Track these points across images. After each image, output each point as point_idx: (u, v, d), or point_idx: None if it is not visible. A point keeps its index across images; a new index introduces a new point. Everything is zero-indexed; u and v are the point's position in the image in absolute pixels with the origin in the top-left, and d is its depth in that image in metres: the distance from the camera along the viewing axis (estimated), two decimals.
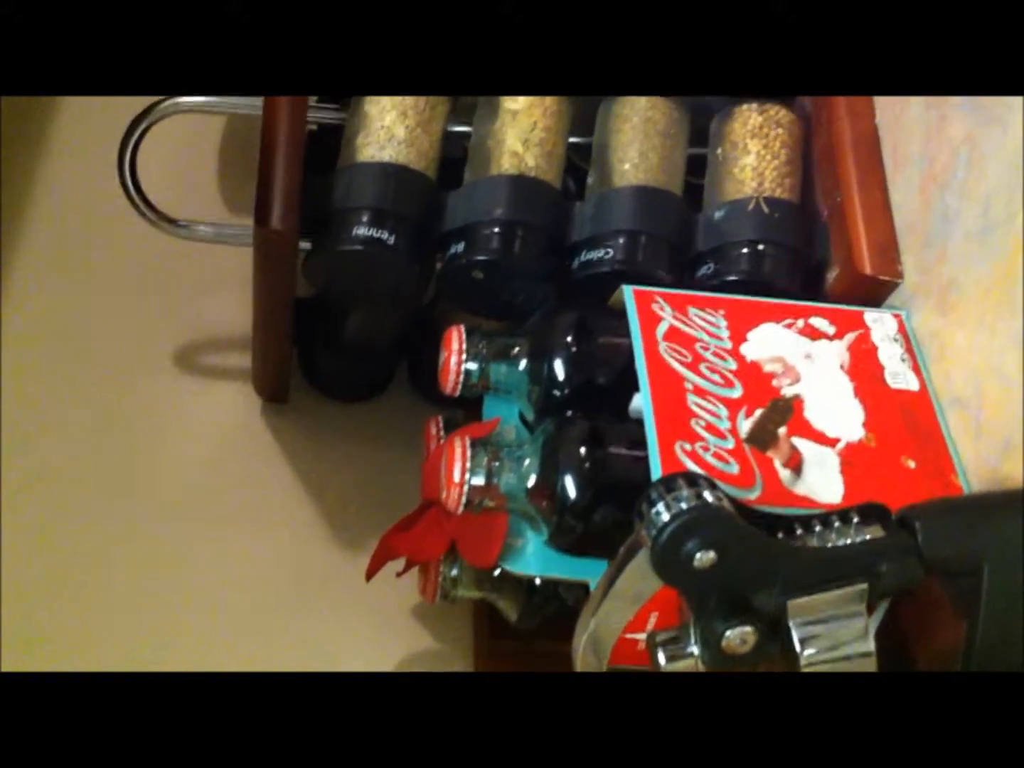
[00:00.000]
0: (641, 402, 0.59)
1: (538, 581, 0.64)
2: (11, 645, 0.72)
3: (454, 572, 0.66)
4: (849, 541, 0.50)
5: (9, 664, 0.71)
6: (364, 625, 0.76)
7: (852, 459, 0.59)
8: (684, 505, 0.47)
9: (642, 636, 0.54)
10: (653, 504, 0.47)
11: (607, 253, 0.68)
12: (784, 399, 0.61)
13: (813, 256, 0.71)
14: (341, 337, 0.81)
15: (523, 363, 0.64)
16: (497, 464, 0.59)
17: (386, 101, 0.70)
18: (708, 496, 0.47)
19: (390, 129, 0.69)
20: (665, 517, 0.47)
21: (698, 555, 0.47)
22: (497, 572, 0.65)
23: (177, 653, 0.74)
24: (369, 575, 0.68)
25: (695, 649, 0.50)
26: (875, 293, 0.68)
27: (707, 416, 0.59)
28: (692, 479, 0.48)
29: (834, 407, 0.61)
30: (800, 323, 0.65)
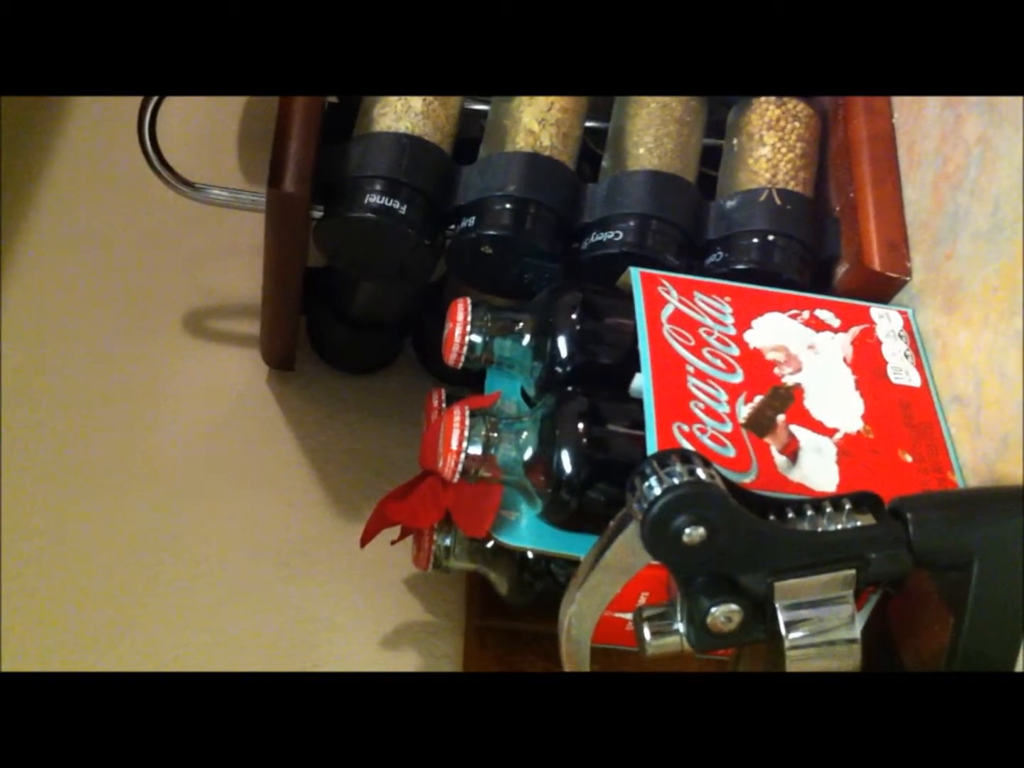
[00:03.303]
0: (641, 382, 0.59)
1: (530, 555, 0.65)
2: (13, 595, 0.73)
3: (447, 542, 0.67)
4: (840, 527, 0.50)
5: (15, 607, 0.71)
6: (358, 592, 0.76)
7: (849, 450, 0.59)
8: (676, 480, 0.47)
9: (631, 616, 0.54)
10: (646, 478, 0.48)
11: (617, 235, 0.68)
12: (785, 387, 0.61)
13: (823, 250, 0.71)
14: (349, 309, 0.82)
15: (527, 338, 0.64)
16: (495, 435, 0.60)
17: None
18: (701, 473, 0.48)
19: (408, 100, 0.70)
20: (657, 491, 0.47)
21: (687, 531, 0.47)
22: (490, 544, 0.66)
23: (174, 615, 0.75)
24: (364, 541, 0.68)
25: (681, 626, 0.50)
26: (883, 289, 0.68)
27: (707, 399, 0.59)
28: (686, 456, 0.48)
29: (834, 398, 0.61)
30: (805, 314, 0.65)
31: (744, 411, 0.59)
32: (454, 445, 0.59)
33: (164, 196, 0.74)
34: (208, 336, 0.87)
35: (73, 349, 0.84)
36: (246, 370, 0.84)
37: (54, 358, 0.84)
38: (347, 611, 0.76)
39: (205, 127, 0.94)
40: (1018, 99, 0.58)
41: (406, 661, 0.75)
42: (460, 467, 0.59)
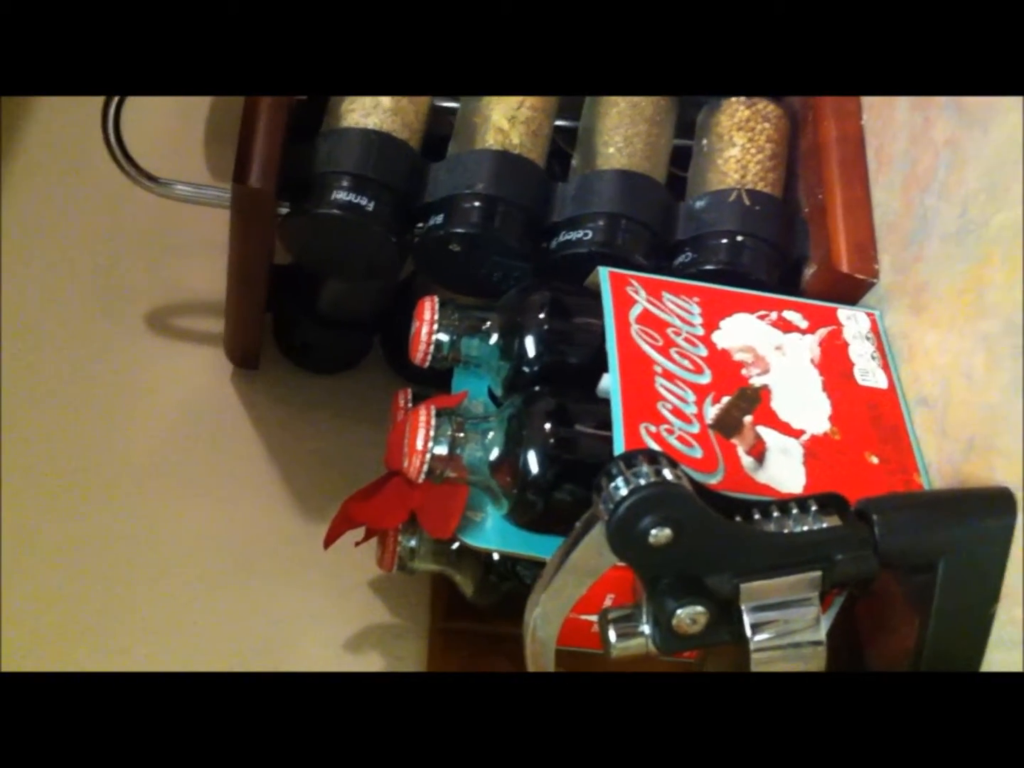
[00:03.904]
0: (609, 382, 0.59)
1: (496, 556, 0.64)
2: None
3: (412, 543, 0.66)
4: (806, 528, 0.50)
5: None
6: (322, 594, 0.75)
7: (816, 451, 0.59)
8: (643, 481, 0.47)
9: (596, 618, 0.54)
10: (612, 479, 0.47)
11: (586, 234, 0.68)
12: (752, 388, 0.61)
13: (792, 251, 0.71)
14: (316, 307, 0.81)
15: (495, 338, 0.64)
16: (461, 435, 0.59)
17: None
18: (667, 474, 0.47)
19: (376, 97, 0.69)
20: (623, 492, 0.47)
21: (654, 532, 0.46)
22: (455, 546, 0.65)
23: (134, 616, 0.74)
24: (327, 542, 0.68)
25: (646, 628, 0.49)
26: (851, 291, 0.68)
27: (674, 400, 0.59)
28: (652, 456, 0.48)
29: (801, 399, 0.61)
30: (773, 315, 0.65)
31: (711, 412, 0.59)
32: (419, 445, 0.59)
33: (129, 192, 0.73)
34: (171, 334, 0.86)
35: (33, 345, 0.83)
36: (209, 368, 0.83)
37: (13, 354, 0.82)
38: (310, 613, 0.75)
39: (172, 123, 0.93)
40: (986, 101, 0.58)
41: (370, 663, 0.74)
42: (425, 467, 0.59)
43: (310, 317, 0.82)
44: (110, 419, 0.81)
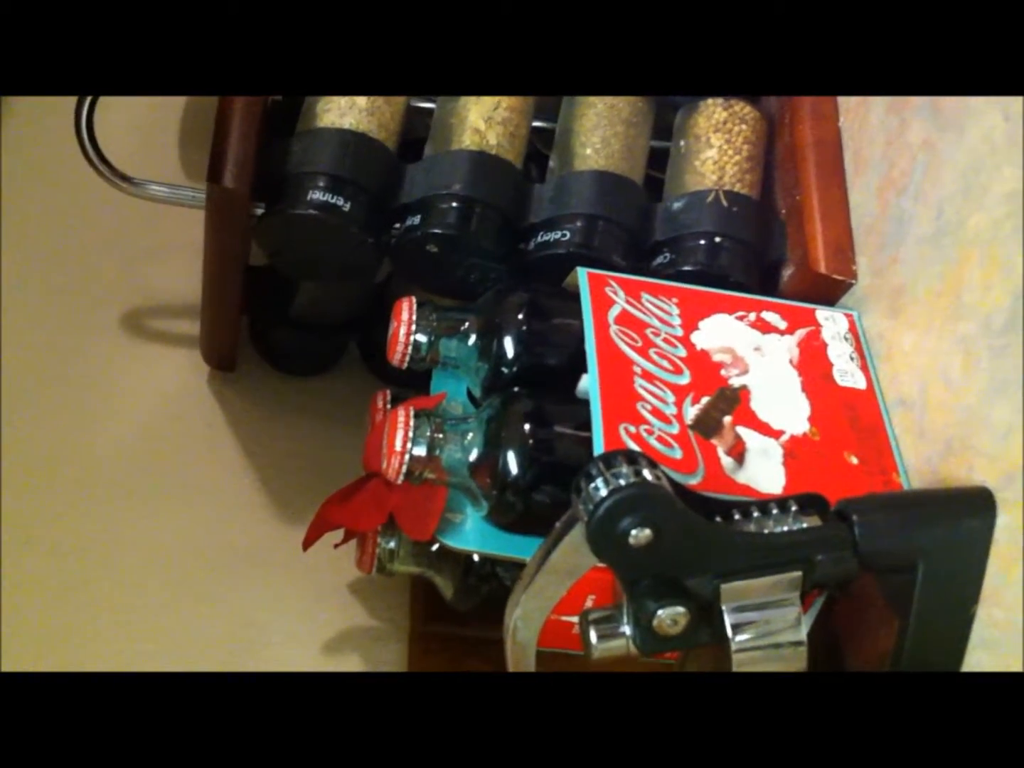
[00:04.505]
0: (588, 383, 0.59)
1: (476, 558, 0.64)
2: None
3: (391, 545, 0.66)
4: (786, 529, 0.50)
5: None
6: (300, 597, 0.75)
7: (795, 451, 0.59)
8: (623, 482, 0.47)
9: (577, 619, 0.54)
10: (592, 479, 0.47)
11: (564, 235, 0.68)
12: (731, 388, 0.61)
13: (770, 253, 0.71)
14: (292, 308, 0.80)
15: (473, 338, 0.63)
16: (440, 436, 0.59)
17: None
18: (647, 474, 0.47)
19: (352, 97, 0.69)
20: (603, 492, 0.46)
21: (633, 532, 0.46)
22: (435, 547, 0.65)
23: (112, 621, 0.73)
24: (306, 544, 0.67)
25: (627, 629, 0.49)
26: (829, 292, 0.68)
27: (653, 400, 0.59)
28: (632, 457, 0.48)
29: (780, 400, 0.61)
30: (752, 316, 0.65)
31: (691, 412, 0.59)
32: (398, 446, 0.58)
33: (103, 193, 0.72)
34: (147, 335, 0.85)
35: (5, 347, 0.82)
36: (186, 370, 0.83)
37: None
38: (289, 616, 0.75)
39: (146, 123, 0.92)
40: (962, 103, 0.58)
41: (349, 667, 0.74)
42: (404, 468, 0.59)
43: (287, 319, 0.81)
44: (86, 421, 0.81)
